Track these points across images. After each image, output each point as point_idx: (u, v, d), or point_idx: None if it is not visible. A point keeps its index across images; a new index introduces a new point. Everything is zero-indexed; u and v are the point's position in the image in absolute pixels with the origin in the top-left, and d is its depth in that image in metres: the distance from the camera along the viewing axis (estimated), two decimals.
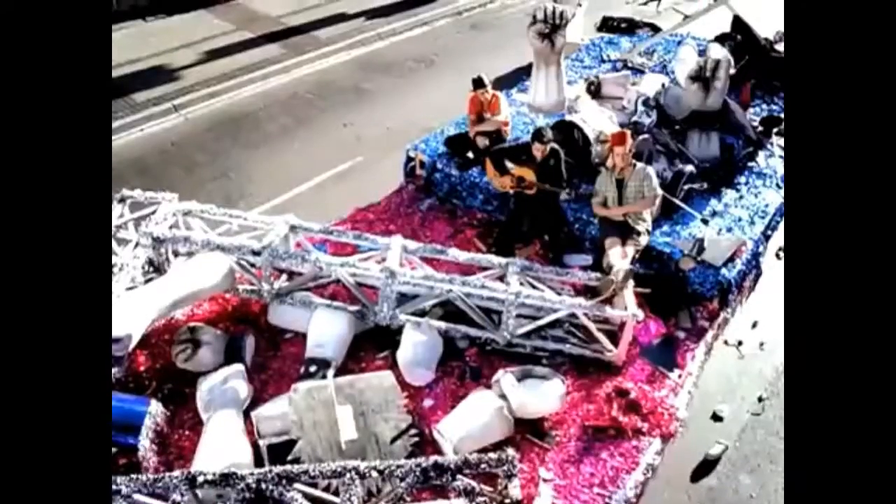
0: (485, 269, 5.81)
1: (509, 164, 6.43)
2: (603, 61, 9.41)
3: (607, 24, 11.89)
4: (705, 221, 6.35)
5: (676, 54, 7.57)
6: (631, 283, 5.53)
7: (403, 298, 5.60)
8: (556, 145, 6.34)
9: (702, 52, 7.53)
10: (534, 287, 5.60)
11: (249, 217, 6.06)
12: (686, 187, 6.55)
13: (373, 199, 7.71)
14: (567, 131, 6.95)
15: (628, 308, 5.37)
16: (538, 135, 6.12)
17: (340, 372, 5.26)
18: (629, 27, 11.40)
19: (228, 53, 12.07)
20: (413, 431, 4.79)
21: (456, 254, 5.77)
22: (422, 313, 5.62)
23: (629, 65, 9.01)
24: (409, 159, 7.69)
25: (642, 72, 8.51)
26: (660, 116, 7.16)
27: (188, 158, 9.68)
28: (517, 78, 9.36)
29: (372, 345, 5.58)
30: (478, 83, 7.09)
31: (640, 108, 7.02)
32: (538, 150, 6.16)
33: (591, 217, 6.50)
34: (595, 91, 8.15)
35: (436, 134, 7.84)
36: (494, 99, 7.15)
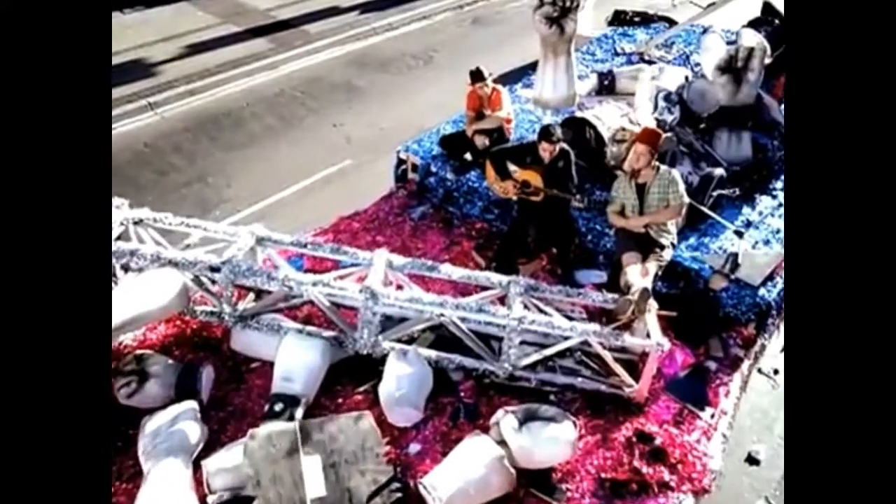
0: (483, 288, 5.07)
1: (512, 167, 5.70)
2: (616, 54, 8.68)
3: (619, 18, 11.15)
4: (739, 234, 5.60)
5: (702, 43, 6.81)
6: (653, 305, 4.77)
7: (388, 322, 4.86)
8: (565, 145, 5.60)
9: (731, 42, 6.79)
10: (540, 310, 4.85)
11: (211, 227, 5.33)
12: (715, 193, 5.81)
13: (361, 205, 7.01)
14: (578, 129, 6.21)
15: (651, 335, 4.62)
16: (546, 133, 5.39)
17: (312, 410, 4.52)
18: (643, 21, 10.65)
19: (211, 48, 11.41)
20: (395, 486, 4.05)
21: (449, 270, 5.03)
22: (409, 340, 4.88)
23: (646, 58, 8.27)
24: (400, 162, 6.97)
25: (660, 65, 7.76)
26: (683, 113, 6.41)
27: (162, 160, 9.02)
28: (522, 74, 8.64)
29: (350, 377, 4.82)
30: (476, 76, 6.37)
31: (662, 103, 6.28)
32: (545, 151, 5.43)
33: (606, 228, 5.76)
34: (608, 86, 7.42)
35: (430, 133, 7.12)
36: (495, 93, 6.43)
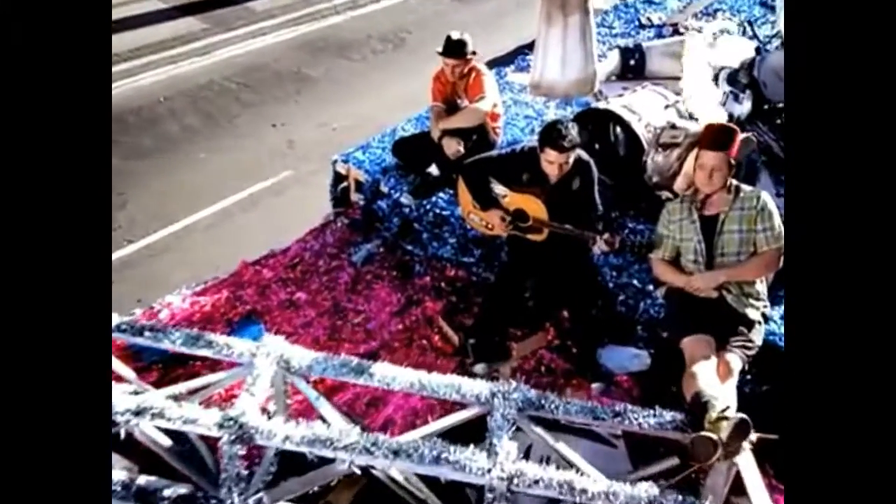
0: (450, 406, 3.03)
1: (499, 189, 3.67)
2: (641, 26, 6.64)
3: None
4: None
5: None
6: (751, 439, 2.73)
7: (285, 467, 2.83)
8: (584, 154, 3.58)
9: None
10: (547, 443, 2.82)
11: None
12: None
13: (296, 232, 5.00)
14: (599, 129, 4.18)
15: (752, 495, 2.59)
16: (552, 135, 3.36)
17: None
18: None
19: (126, 28, 9.32)
20: None
21: (389, 374, 2.95)
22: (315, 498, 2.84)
23: (681, 31, 6.21)
24: (338, 177, 4.92)
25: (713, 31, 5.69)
26: (755, 102, 4.36)
27: None
28: (518, 56, 6.59)
29: None
30: (453, 48, 4.32)
31: (726, 88, 4.24)
32: (552, 163, 3.42)
33: (647, 283, 3.74)
34: (636, 67, 5.38)
35: (381, 135, 5.06)
36: (475, 77, 4.37)
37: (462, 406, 2.93)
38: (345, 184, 4.92)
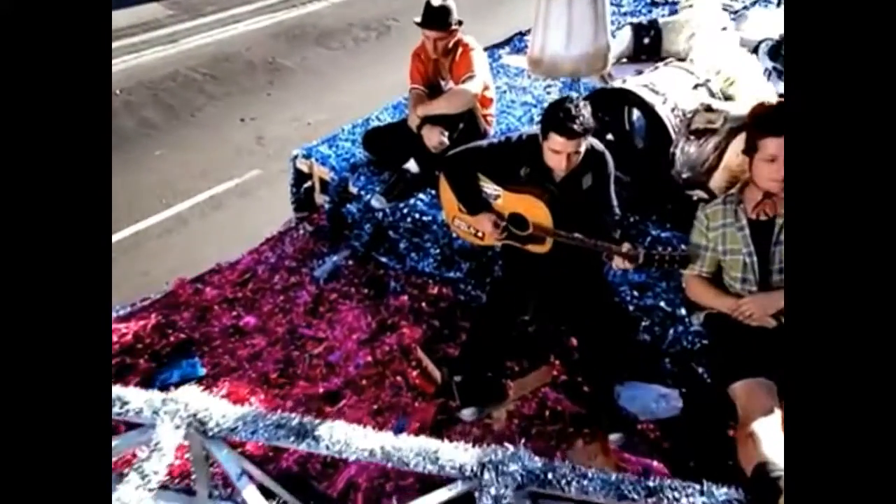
0: (426, 482, 2.29)
1: (491, 188, 2.94)
2: (653, 3, 5.91)
3: None
4: None
5: None
6: None
7: None
8: (598, 144, 2.85)
9: None
10: None
11: None
12: None
13: (257, 239, 4.29)
14: (613, 114, 3.45)
15: None
16: (560, 115, 2.61)
17: None
18: None
19: None
20: None
21: (341, 439, 2.19)
22: None
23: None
24: (300, 176, 4.18)
25: (734, 11, 4.96)
26: None
27: None
28: (514, 39, 5.85)
29: None
30: (431, 16, 3.60)
31: (768, 64, 3.51)
32: (559, 153, 2.68)
33: (677, 307, 3.01)
34: (651, 46, 4.66)
35: (351, 127, 4.33)
36: (462, 51, 3.63)
37: (444, 482, 2.19)
38: (308, 183, 4.18)
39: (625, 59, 4.74)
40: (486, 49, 5.43)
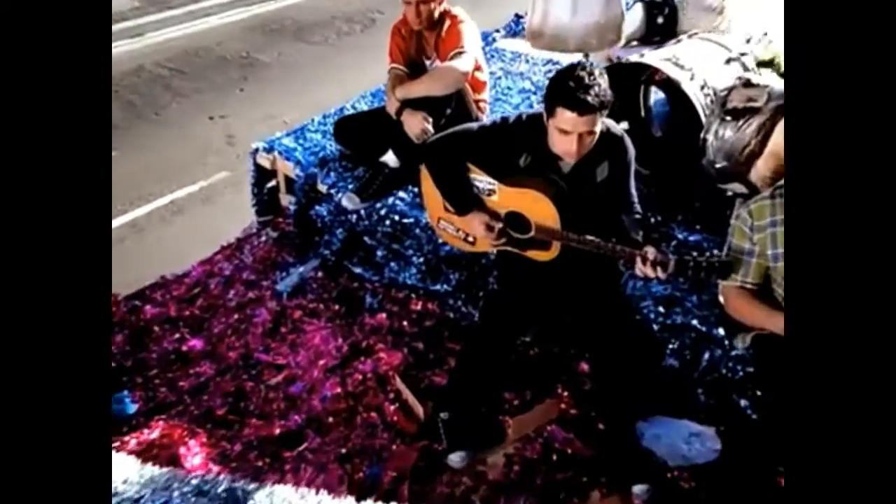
0: None
1: (483, 180, 2.47)
2: None
3: None
4: None
5: None
6: None
7: None
8: (615, 126, 2.39)
9: None
10: None
11: None
12: None
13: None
14: (626, 97, 2.98)
15: None
16: (571, 83, 2.12)
17: None
18: None
19: None
20: None
21: None
22: None
23: None
24: (262, 173, 3.70)
25: None
26: None
27: None
28: (510, 21, 5.40)
29: None
30: None
31: None
32: (569, 135, 2.18)
33: (713, 326, 2.53)
34: (666, 24, 4.21)
35: (323, 116, 3.87)
36: (450, 24, 3.13)
37: None
38: (272, 182, 3.70)
39: (635, 42, 4.28)
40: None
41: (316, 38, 8.25)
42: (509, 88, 3.99)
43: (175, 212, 5.36)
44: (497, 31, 4.84)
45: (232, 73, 7.43)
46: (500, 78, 4.08)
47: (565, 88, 2.11)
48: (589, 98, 2.10)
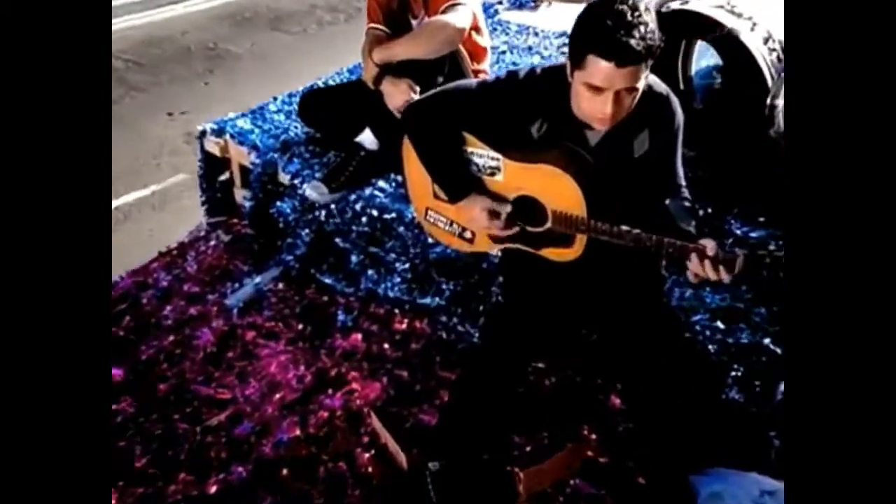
0: None
1: (484, 156, 1.93)
2: None
3: None
4: None
5: None
6: None
7: None
8: (660, 84, 1.86)
9: None
10: None
11: None
12: None
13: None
14: (668, 55, 2.47)
15: None
16: (610, 21, 1.58)
17: None
18: None
19: None
20: None
21: None
22: None
23: None
24: (212, 162, 3.17)
25: None
26: None
27: None
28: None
29: None
30: None
31: None
32: (602, 92, 1.64)
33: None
34: None
35: (288, 96, 3.36)
36: None
37: None
38: (226, 175, 3.16)
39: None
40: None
41: (294, 28, 7.81)
42: (515, 64, 3.49)
43: (121, 219, 4.82)
44: (500, 2, 4.35)
45: (196, 66, 6.93)
46: (504, 52, 3.58)
47: (600, 29, 1.57)
48: (633, 42, 1.56)
